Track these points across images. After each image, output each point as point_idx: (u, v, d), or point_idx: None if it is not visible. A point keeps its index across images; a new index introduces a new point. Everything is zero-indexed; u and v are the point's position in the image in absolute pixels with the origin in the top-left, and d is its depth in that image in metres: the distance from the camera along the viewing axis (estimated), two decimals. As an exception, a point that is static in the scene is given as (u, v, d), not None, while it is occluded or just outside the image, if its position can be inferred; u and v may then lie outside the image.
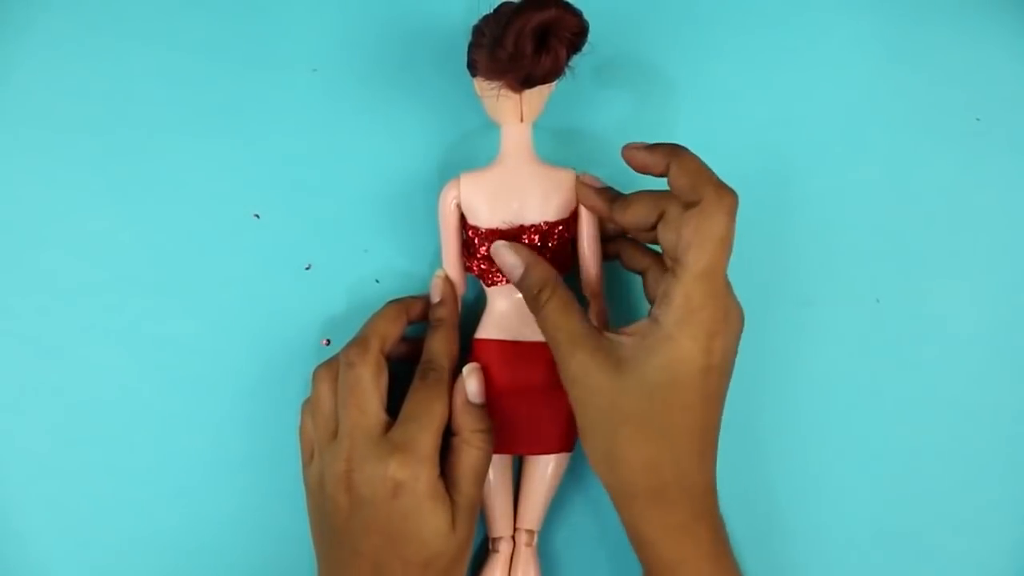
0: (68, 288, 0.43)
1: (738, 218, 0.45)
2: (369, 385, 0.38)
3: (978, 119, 0.46)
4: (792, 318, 0.45)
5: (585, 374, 0.36)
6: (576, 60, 0.39)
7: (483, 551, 0.43)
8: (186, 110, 0.44)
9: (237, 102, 0.44)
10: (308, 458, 0.40)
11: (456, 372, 0.40)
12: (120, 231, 0.44)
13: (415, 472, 0.36)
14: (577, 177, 0.40)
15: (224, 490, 0.44)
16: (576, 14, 0.37)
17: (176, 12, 0.44)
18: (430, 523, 0.37)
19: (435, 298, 0.41)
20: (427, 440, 0.37)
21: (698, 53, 0.46)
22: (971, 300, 0.46)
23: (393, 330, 0.40)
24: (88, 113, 0.44)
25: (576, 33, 0.37)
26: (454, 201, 0.41)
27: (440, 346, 0.40)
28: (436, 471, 0.37)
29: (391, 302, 0.41)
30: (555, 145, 0.44)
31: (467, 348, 0.42)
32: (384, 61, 0.45)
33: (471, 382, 0.40)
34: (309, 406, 0.40)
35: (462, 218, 0.41)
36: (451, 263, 0.42)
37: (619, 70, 0.45)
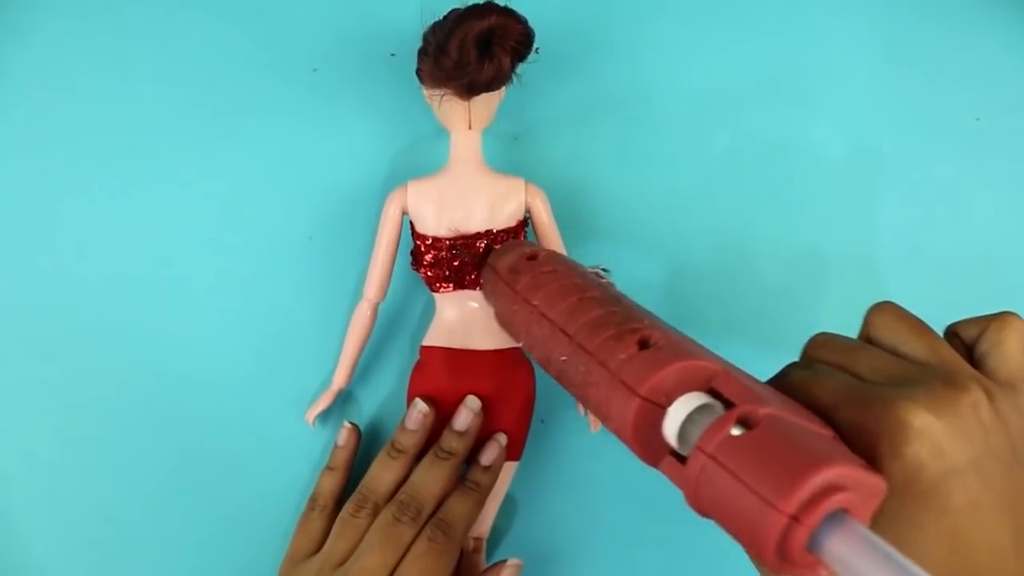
0: (68, 288, 0.43)
1: (738, 219, 0.46)
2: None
3: (978, 119, 0.46)
4: (793, 318, 0.45)
5: None
6: (524, 68, 0.38)
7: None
8: (186, 110, 0.44)
9: (237, 102, 0.44)
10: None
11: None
12: (119, 231, 0.44)
13: None
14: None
15: (222, 491, 0.44)
16: (520, 22, 0.37)
17: (176, 12, 0.44)
18: None
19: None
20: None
21: (696, 53, 0.46)
22: (971, 300, 0.45)
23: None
24: (88, 113, 0.44)
25: (520, 41, 0.37)
26: (399, 207, 0.40)
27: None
28: None
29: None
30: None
31: (415, 355, 0.42)
32: (383, 63, 0.45)
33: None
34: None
35: (411, 225, 0.41)
36: (378, 265, 0.41)
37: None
